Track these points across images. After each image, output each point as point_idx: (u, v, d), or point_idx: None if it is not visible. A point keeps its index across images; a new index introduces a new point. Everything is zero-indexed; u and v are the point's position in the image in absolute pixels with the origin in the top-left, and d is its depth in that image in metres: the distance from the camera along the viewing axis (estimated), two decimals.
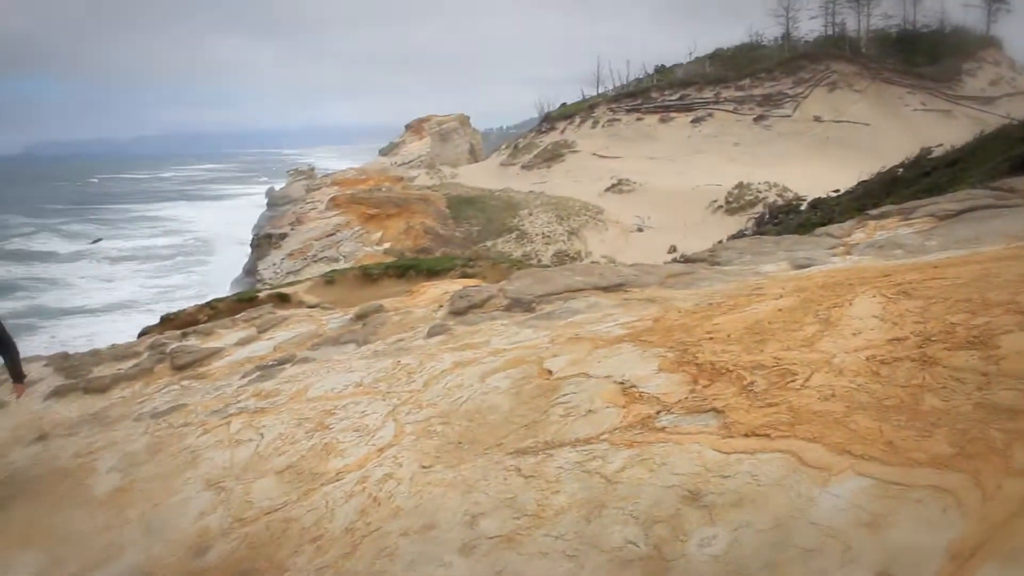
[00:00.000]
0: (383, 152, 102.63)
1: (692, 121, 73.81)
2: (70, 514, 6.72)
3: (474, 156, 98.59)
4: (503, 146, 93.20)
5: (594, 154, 71.54)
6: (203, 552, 5.38)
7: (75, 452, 8.07)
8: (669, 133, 72.87)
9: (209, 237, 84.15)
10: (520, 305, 9.03)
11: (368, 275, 18.43)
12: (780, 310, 6.04)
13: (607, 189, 59.05)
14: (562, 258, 41.57)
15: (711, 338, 5.77)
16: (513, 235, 46.79)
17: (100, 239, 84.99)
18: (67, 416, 9.83)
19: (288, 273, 39.21)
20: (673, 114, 75.41)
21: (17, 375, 7.24)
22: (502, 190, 59.45)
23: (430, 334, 8.70)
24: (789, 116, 71.41)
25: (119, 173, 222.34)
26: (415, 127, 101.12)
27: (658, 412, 4.87)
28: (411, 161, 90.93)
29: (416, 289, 12.42)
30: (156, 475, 6.93)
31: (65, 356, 13.23)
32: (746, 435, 4.26)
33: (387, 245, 41.77)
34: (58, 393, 10.73)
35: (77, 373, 11.62)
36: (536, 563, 4.00)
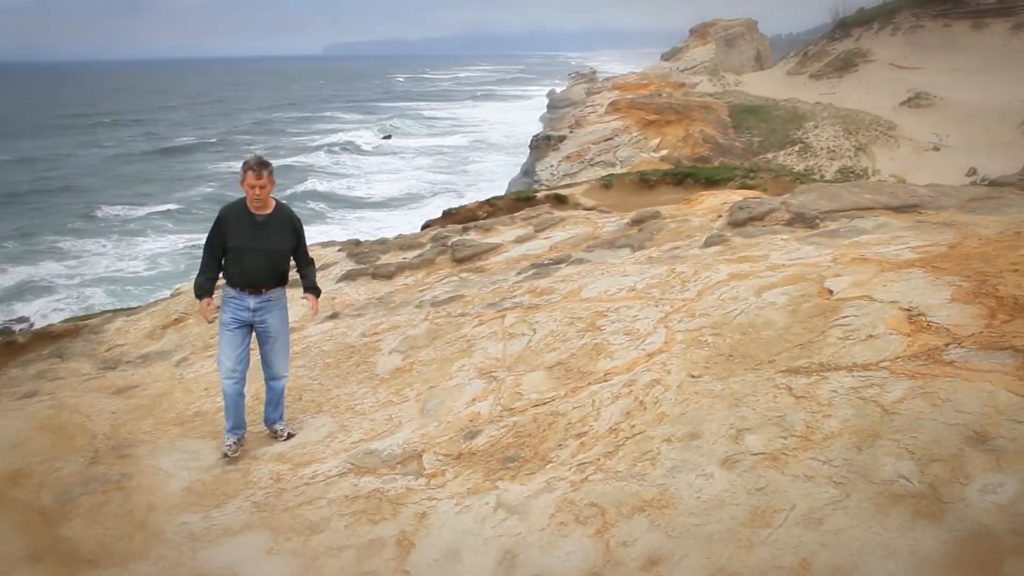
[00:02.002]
0: (665, 57, 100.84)
1: (1012, 27, 65.70)
2: (355, 388, 7.29)
3: (760, 63, 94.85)
4: (791, 53, 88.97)
5: (891, 64, 66.46)
6: (473, 436, 5.66)
7: (362, 332, 8.70)
8: (981, 41, 65.62)
9: (490, 136, 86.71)
10: (803, 220, 8.71)
11: (645, 181, 18.31)
12: None
13: (902, 103, 54.87)
14: (846, 175, 39.41)
15: (1016, 270, 5.31)
16: (796, 148, 44.76)
17: (390, 135, 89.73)
18: (356, 298, 10.60)
19: (564, 175, 39.58)
20: (988, 19, 67.49)
21: (314, 288, 6.79)
22: (787, 100, 56.64)
23: (707, 244, 8.58)
24: None
25: (419, 73, 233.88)
26: (699, 32, 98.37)
27: (947, 344, 4.58)
28: (694, 67, 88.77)
29: (694, 198, 12.24)
30: (433, 359, 7.35)
31: (357, 243, 14.23)
32: None
33: (664, 152, 41.17)
34: (349, 277, 11.58)
35: (366, 259, 12.47)
36: (800, 485, 3.93)
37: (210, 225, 6.41)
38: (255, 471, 6.05)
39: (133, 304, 20.69)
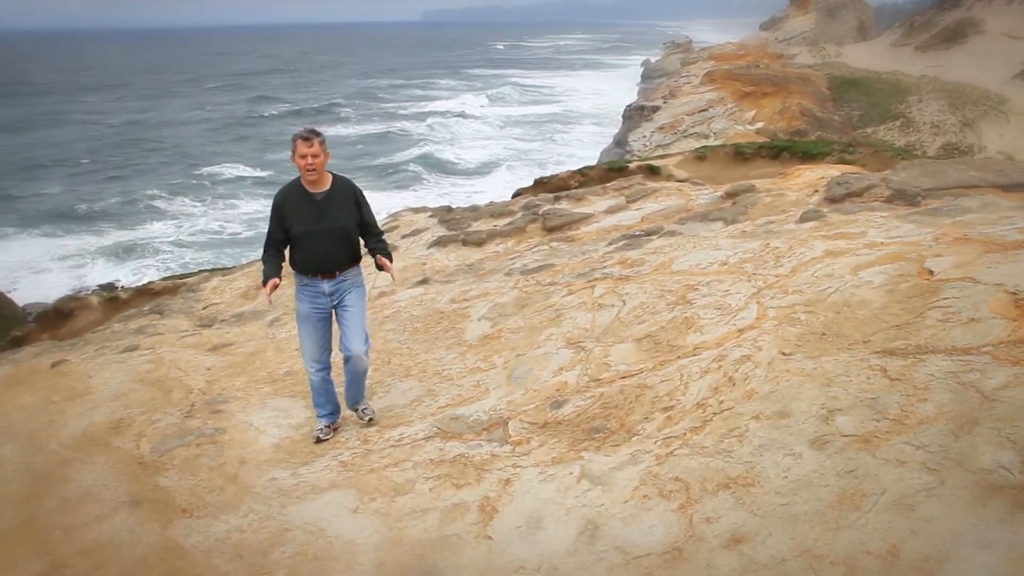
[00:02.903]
0: (764, 27, 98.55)
1: None
2: (443, 354, 7.36)
3: (862, 34, 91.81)
4: (896, 24, 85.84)
5: (1005, 34, 63.42)
6: (559, 405, 5.67)
7: (451, 298, 8.76)
8: None
9: (583, 106, 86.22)
10: (903, 197, 8.46)
11: (740, 153, 17.97)
12: None
13: (1015, 76, 52.53)
14: (950, 151, 38.09)
15: None
16: (897, 122, 43.36)
17: (486, 103, 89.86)
18: (446, 264, 10.67)
19: (657, 146, 39.03)
20: None
21: (387, 254, 6.06)
22: (890, 73, 54.75)
23: (802, 219, 8.41)
24: None
25: (519, 41, 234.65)
26: (800, 0, 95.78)
27: None
28: (793, 37, 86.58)
29: (790, 172, 11.98)
30: (521, 327, 7.37)
31: (448, 209, 14.31)
32: None
33: (759, 124, 40.23)
34: (440, 243, 11.66)
35: (457, 226, 12.54)
36: (891, 470, 3.83)
37: None
38: (343, 431, 6.18)
39: (229, 264, 21.25)
